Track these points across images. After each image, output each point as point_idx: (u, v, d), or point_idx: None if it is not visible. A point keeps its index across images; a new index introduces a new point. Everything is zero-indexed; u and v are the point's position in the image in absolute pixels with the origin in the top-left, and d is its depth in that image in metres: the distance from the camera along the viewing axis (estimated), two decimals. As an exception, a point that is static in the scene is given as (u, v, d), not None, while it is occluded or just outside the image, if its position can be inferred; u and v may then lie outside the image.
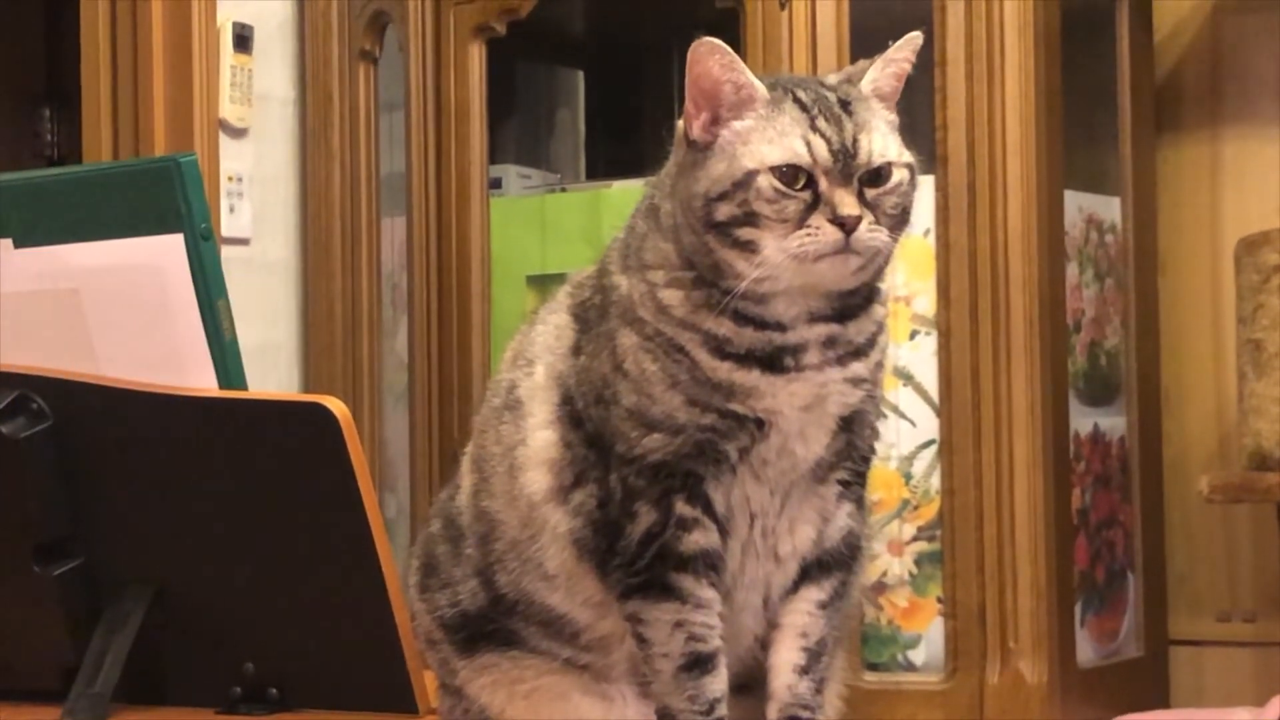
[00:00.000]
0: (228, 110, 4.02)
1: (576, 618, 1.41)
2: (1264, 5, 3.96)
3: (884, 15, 3.44)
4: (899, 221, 1.34)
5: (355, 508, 1.55)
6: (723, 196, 1.32)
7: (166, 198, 1.62)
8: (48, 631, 1.64)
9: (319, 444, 1.55)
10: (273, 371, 4.12)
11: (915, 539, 3.48)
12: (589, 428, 1.38)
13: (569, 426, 1.39)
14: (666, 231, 1.37)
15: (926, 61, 3.47)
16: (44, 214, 1.70)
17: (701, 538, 1.36)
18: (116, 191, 1.68)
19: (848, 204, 1.31)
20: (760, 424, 1.34)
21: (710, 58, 1.34)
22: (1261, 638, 3.91)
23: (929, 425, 3.47)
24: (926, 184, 3.45)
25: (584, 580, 1.40)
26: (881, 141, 1.33)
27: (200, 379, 1.62)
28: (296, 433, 1.58)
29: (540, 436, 1.40)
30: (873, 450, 1.43)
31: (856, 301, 1.36)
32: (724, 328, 1.33)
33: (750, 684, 1.42)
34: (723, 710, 1.37)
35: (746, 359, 1.34)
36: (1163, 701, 3.84)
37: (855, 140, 1.32)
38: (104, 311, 1.66)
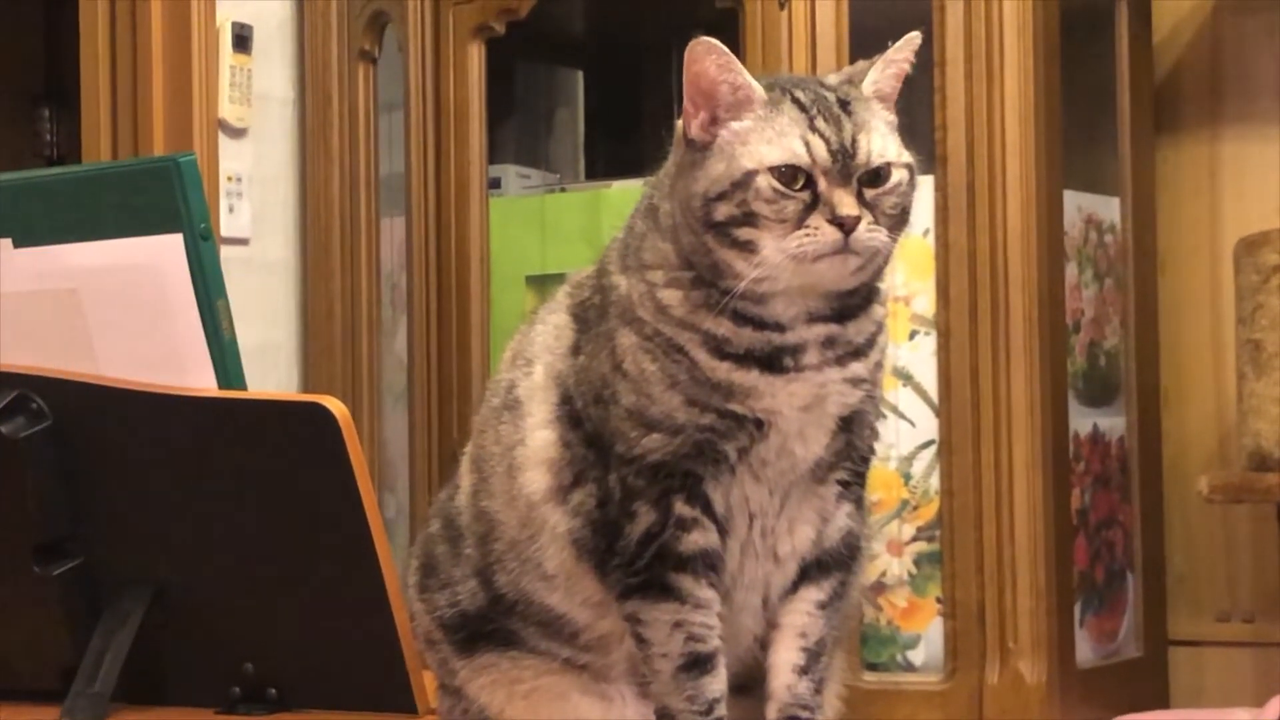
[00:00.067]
0: (227, 110, 4.02)
1: (575, 618, 1.41)
2: (1264, 5, 3.96)
3: (883, 15, 3.44)
4: (898, 221, 1.34)
5: (355, 508, 1.55)
6: (721, 196, 1.32)
7: (166, 198, 1.62)
8: (47, 631, 1.64)
9: (318, 444, 1.55)
10: (272, 371, 4.12)
11: (914, 539, 3.48)
12: (588, 427, 1.38)
13: (568, 426, 1.39)
14: (665, 231, 1.37)
15: (926, 62, 3.47)
16: (43, 214, 1.70)
17: (700, 538, 1.36)
18: (116, 191, 1.68)
19: (846, 204, 1.31)
20: (759, 424, 1.34)
21: (707, 58, 1.34)
22: (1261, 638, 3.91)
23: (928, 425, 3.47)
24: (926, 184, 3.45)
25: (583, 580, 1.40)
26: (881, 142, 1.33)
27: (200, 379, 1.62)
28: (296, 433, 1.58)
29: (539, 436, 1.40)
30: (872, 450, 1.43)
31: (856, 302, 1.36)
32: (723, 328, 1.33)
33: (749, 684, 1.42)
34: (722, 710, 1.37)
35: (745, 359, 1.34)
36: (1162, 702, 3.84)
37: (854, 140, 1.32)
38: (103, 311, 1.66)
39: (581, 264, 1.47)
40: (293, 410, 1.61)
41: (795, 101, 1.34)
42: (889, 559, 3.47)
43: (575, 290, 1.44)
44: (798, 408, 1.35)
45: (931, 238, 3.47)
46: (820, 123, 1.32)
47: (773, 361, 1.34)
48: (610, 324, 1.37)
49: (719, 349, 1.34)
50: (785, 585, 1.41)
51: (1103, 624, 3.70)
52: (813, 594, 1.41)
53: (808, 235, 1.30)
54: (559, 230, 3.88)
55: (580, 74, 4.50)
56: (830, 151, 1.31)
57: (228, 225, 4.01)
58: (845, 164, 1.31)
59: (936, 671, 3.45)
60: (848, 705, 1.50)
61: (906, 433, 3.47)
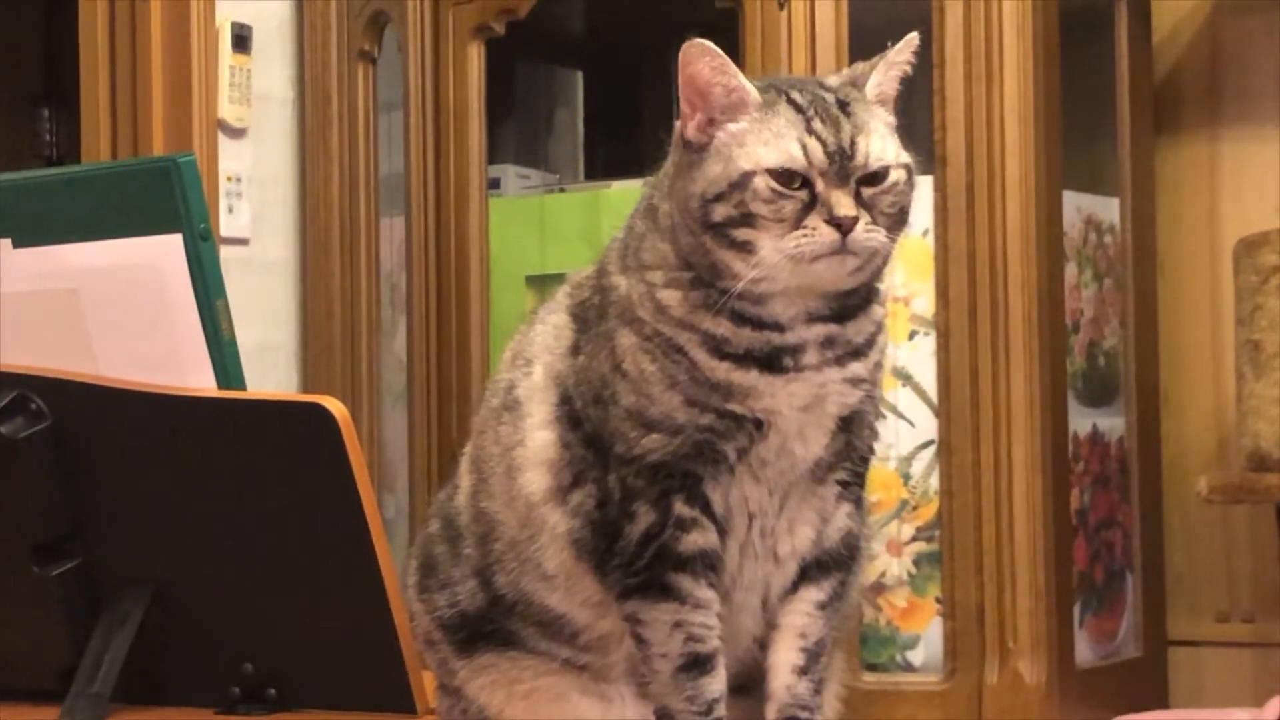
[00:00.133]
0: (226, 110, 4.02)
1: (575, 618, 1.41)
2: (1264, 5, 3.97)
3: (882, 16, 3.44)
4: (897, 221, 1.34)
5: (354, 508, 1.55)
6: (719, 197, 1.32)
7: (165, 198, 1.62)
8: (46, 631, 1.64)
9: (318, 444, 1.55)
10: (271, 372, 4.12)
11: (914, 539, 3.48)
12: (588, 428, 1.38)
13: (568, 427, 1.39)
14: (665, 232, 1.37)
15: (925, 62, 3.47)
16: (43, 214, 1.70)
17: (700, 538, 1.36)
18: (115, 192, 1.68)
19: (844, 205, 1.31)
20: (759, 424, 1.34)
21: (700, 60, 1.34)
22: (1260, 638, 3.91)
23: (928, 426, 3.47)
24: (925, 184, 3.46)
25: (583, 580, 1.40)
26: (880, 144, 1.33)
27: (199, 379, 1.62)
28: (295, 433, 1.58)
29: (539, 437, 1.40)
30: (872, 450, 1.43)
31: (855, 302, 1.36)
32: (722, 328, 1.33)
33: (749, 684, 1.42)
34: (721, 711, 1.37)
35: (745, 359, 1.34)
36: (1161, 702, 3.84)
37: (853, 142, 1.32)
38: (103, 312, 1.66)
39: (581, 264, 1.47)
40: (292, 410, 1.61)
41: (792, 103, 1.34)
42: (888, 559, 3.47)
43: (575, 290, 1.44)
44: (797, 408, 1.35)
45: (931, 238, 3.47)
46: (817, 124, 1.32)
47: (772, 361, 1.34)
48: (610, 324, 1.37)
49: (718, 349, 1.34)
50: (785, 586, 1.41)
51: (1102, 624, 3.70)
52: (812, 594, 1.41)
53: (805, 236, 1.30)
54: (558, 230, 3.88)
55: (580, 74, 4.50)
56: (827, 153, 1.31)
57: (227, 225, 4.01)
58: (843, 165, 1.31)
59: (936, 672, 3.45)
60: (847, 706, 1.50)
61: (906, 433, 3.47)
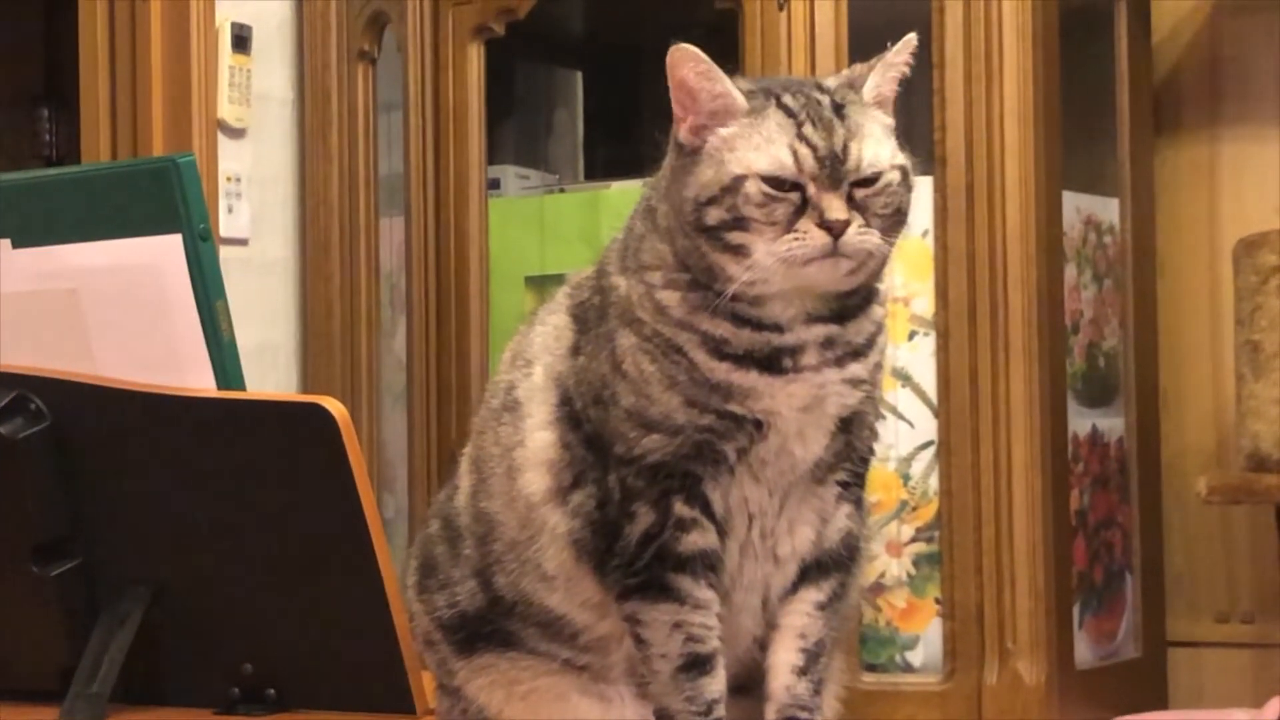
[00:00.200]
0: (226, 110, 4.02)
1: (575, 619, 1.41)
2: (1263, 6, 3.97)
3: (882, 16, 3.44)
4: (893, 223, 1.34)
5: (353, 508, 1.55)
6: (711, 201, 1.32)
7: (165, 198, 1.62)
8: (46, 632, 1.64)
9: (317, 445, 1.55)
10: (271, 372, 4.12)
11: (913, 540, 3.48)
12: (588, 428, 1.38)
13: (568, 427, 1.39)
14: (663, 233, 1.37)
15: (925, 63, 3.47)
16: (42, 214, 1.70)
17: (700, 538, 1.36)
18: (115, 192, 1.68)
19: (835, 208, 1.30)
20: (758, 425, 1.34)
21: (684, 65, 1.34)
22: (1259, 639, 3.91)
23: (927, 426, 3.47)
24: (925, 185, 3.46)
25: (583, 581, 1.40)
26: (874, 147, 1.33)
27: (198, 379, 1.62)
28: (295, 433, 1.58)
29: (539, 437, 1.40)
30: (872, 451, 1.42)
31: (855, 302, 1.36)
32: (721, 329, 1.33)
33: (749, 685, 1.42)
34: (721, 711, 1.37)
35: (744, 360, 1.33)
36: (1161, 703, 3.84)
37: (845, 147, 1.32)
38: (102, 312, 1.66)
39: (580, 265, 1.47)
40: (292, 411, 1.61)
41: (783, 107, 1.33)
42: (888, 560, 3.47)
43: (575, 291, 1.44)
44: (797, 408, 1.35)
45: (930, 239, 3.47)
46: (808, 129, 1.32)
47: (772, 362, 1.34)
48: (610, 325, 1.37)
49: (718, 350, 1.34)
50: (785, 586, 1.41)
51: (1101, 625, 3.70)
52: (812, 595, 1.41)
53: (797, 239, 1.30)
54: (558, 231, 3.88)
55: (579, 75, 4.50)
56: (818, 158, 1.31)
57: (227, 226, 4.01)
58: (835, 169, 1.31)
59: (935, 672, 3.45)
60: (846, 706, 1.50)
61: (905, 434, 3.47)
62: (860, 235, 1.31)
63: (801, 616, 1.40)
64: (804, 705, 1.39)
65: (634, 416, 1.35)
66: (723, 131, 1.34)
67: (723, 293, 1.32)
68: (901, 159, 1.35)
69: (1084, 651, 3.61)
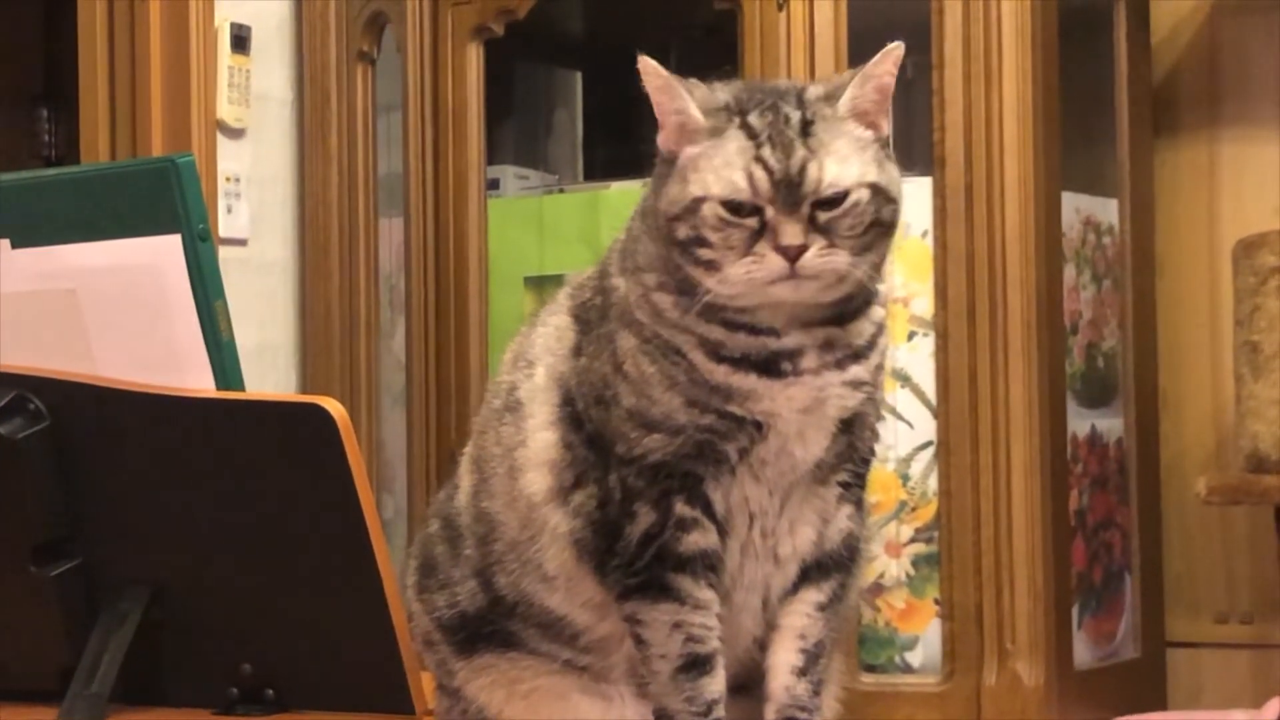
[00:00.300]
0: (225, 111, 4.02)
1: (576, 620, 1.41)
2: (1263, 6, 3.97)
3: (882, 17, 3.44)
4: (868, 241, 1.32)
5: (352, 509, 1.55)
6: (677, 218, 1.32)
7: (164, 198, 1.62)
8: (45, 632, 1.64)
9: (316, 445, 1.55)
10: (270, 372, 4.12)
11: (913, 541, 3.48)
12: (589, 429, 1.38)
13: (569, 428, 1.39)
14: (654, 235, 1.37)
15: (924, 63, 3.47)
16: (42, 214, 1.70)
17: (700, 538, 1.36)
18: (114, 192, 1.68)
19: (789, 233, 1.29)
20: (758, 426, 1.34)
21: (649, 80, 1.34)
22: (1259, 639, 3.91)
23: (926, 427, 3.47)
24: (924, 186, 3.46)
25: (584, 582, 1.40)
26: (837, 168, 1.31)
27: (198, 380, 1.62)
28: (294, 434, 1.58)
29: (541, 438, 1.40)
30: (873, 452, 1.42)
31: (854, 305, 1.36)
32: (716, 333, 1.33)
33: (748, 685, 1.42)
34: (720, 711, 1.37)
35: (742, 363, 1.33)
36: (1160, 703, 3.84)
37: (803, 169, 1.30)
38: (101, 312, 1.66)
39: (580, 265, 1.47)
40: (291, 411, 1.61)
41: (745, 126, 1.32)
42: (887, 560, 3.47)
43: (576, 292, 1.44)
44: (796, 410, 1.34)
45: (930, 239, 3.47)
46: (766, 151, 1.30)
47: (770, 366, 1.33)
48: (611, 326, 1.37)
49: (715, 352, 1.33)
50: (785, 586, 1.40)
51: (1101, 625, 3.70)
52: (812, 595, 1.41)
53: (755, 262, 1.29)
54: (557, 231, 3.88)
55: (579, 75, 4.50)
56: (774, 182, 1.29)
57: (226, 226, 4.01)
58: (791, 193, 1.29)
59: (934, 673, 3.45)
60: (846, 707, 1.50)
61: (905, 434, 3.47)
62: (821, 257, 1.29)
63: (801, 617, 1.40)
64: (803, 706, 1.39)
65: (635, 417, 1.35)
66: (689, 150, 1.33)
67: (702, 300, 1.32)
68: (873, 176, 1.32)
69: (1083, 652, 3.61)
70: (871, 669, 3.47)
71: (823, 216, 1.30)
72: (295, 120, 4.23)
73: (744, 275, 1.29)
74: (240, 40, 4.05)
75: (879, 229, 1.32)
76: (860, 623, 3.42)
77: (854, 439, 1.39)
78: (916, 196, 3.44)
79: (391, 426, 4.08)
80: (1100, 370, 3.76)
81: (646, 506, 1.35)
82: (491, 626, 1.44)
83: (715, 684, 1.37)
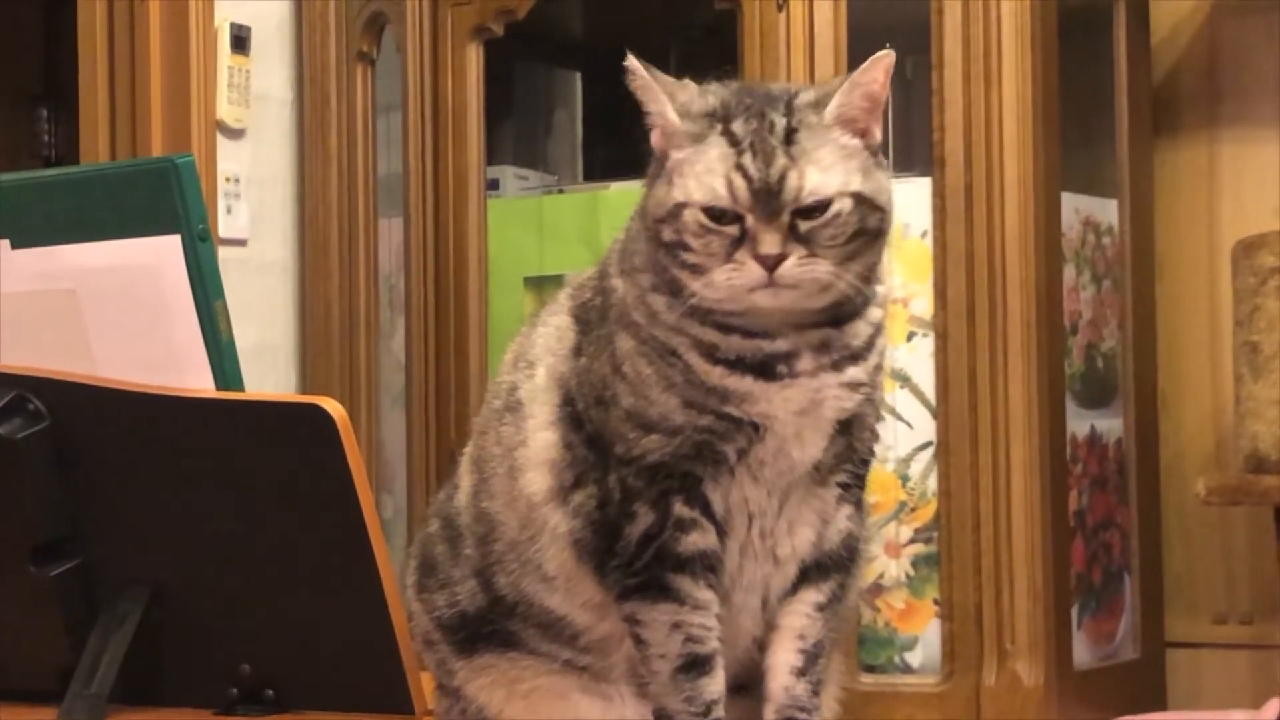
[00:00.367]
0: (225, 111, 4.02)
1: (576, 620, 1.41)
2: (1263, 7, 3.97)
3: (881, 17, 3.45)
4: (851, 250, 1.31)
5: (352, 509, 1.55)
6: (662, 220, 1.32)
7: (164, 199, 1.62)
8: (45, 632, 1.64)
9: (316, 445, 1.55)
10: (270, 372, 4.12)
11: (912, 541, 3.48)
12: (589, 429, 1.38)
13: (570, 428, 1.39)
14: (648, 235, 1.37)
15: (924, 64, 3.47)
16: (41, 214, 1.70)
17: (699, 539, 1.36)
18: (114, 192, 1.68)
19: (767, 242, 1.29)
20: (756, 427, 1.34)
21: (631, 81, 1.34)
22: (1258, 640, 3.91)
23: (926, 427, 3.47)
24: (923, 186, 3.46)
25: (583, 582, 1.40)
26: (818, 176, 1.30)
27: (197, 380, 1.62)
28: (294, 434, 1.58)
29: (541, 438, 1.41)
30: (872, 453, 1.42)
31: (849, 308, 1.35)
32: (710, 335, 1.33)
33: (748, 685, 1.42)
34: (720, 711, 1.37)
35: (737, 365, 1.33)
36: (1159, 704, 3.84)
37: (783, 177, 1.29)
38: (101, 312, 1.66)
39: (579, 265, 1.47)
40: (290, 411, 1.61)
41: (728, 133, 1.32)
42: (886, 561, 3.47)
43: (577, 292, 1.44)
44: (793, 412, 1.34)
45: (929, 239, 3.47)
46: (747, 159, 1.30)
47: (765, 368, 1.33)
48: (610, 326, 1.37)
49: (710, 354, 1.33)
50: (784, 587, 1.41)
51: (1100, 626, 3.70)
52: (811, 596, 1.41)
53: (734, 270, 1.29)
54: (557, 231, 3.88)
55: (578, 75, 4.50)
56: (753, 191, 1.29)
57: (226, 226, 4.01)
58: (770, 202, 1.29)
59: (934, 673, 3.45)
60: (845, 707, 1.50)
61: (904, 435, 3.47)
62: (800, 267, 1.29)
63: (801, 617, 1.40)
64: (803, 706, 1.39)
65: (633, 417, 1.35)
66: (675, 154, 1.33)
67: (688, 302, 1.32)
68: (857, 185, 1.31)
69: (1082, 652, 3.60)
70: (871, 669, 3.47)
71: (803, 225, 1.29)
72: (295, 120, 4.23)
73: (725, 281, 1.29)
74: (240, 40, 4.05)
75: (864, 238, 1.32)
76: (860, 623, 3.42)
77: (853, 440, 1.39)
78: (916, 196, 3.44)
79: (391, 426, 4.08)
80: (1100, 370, 3.76)
81: (646, 507, 1.35)
82: (491, 626, 1.44)
83: (714, 684, 1.37)
